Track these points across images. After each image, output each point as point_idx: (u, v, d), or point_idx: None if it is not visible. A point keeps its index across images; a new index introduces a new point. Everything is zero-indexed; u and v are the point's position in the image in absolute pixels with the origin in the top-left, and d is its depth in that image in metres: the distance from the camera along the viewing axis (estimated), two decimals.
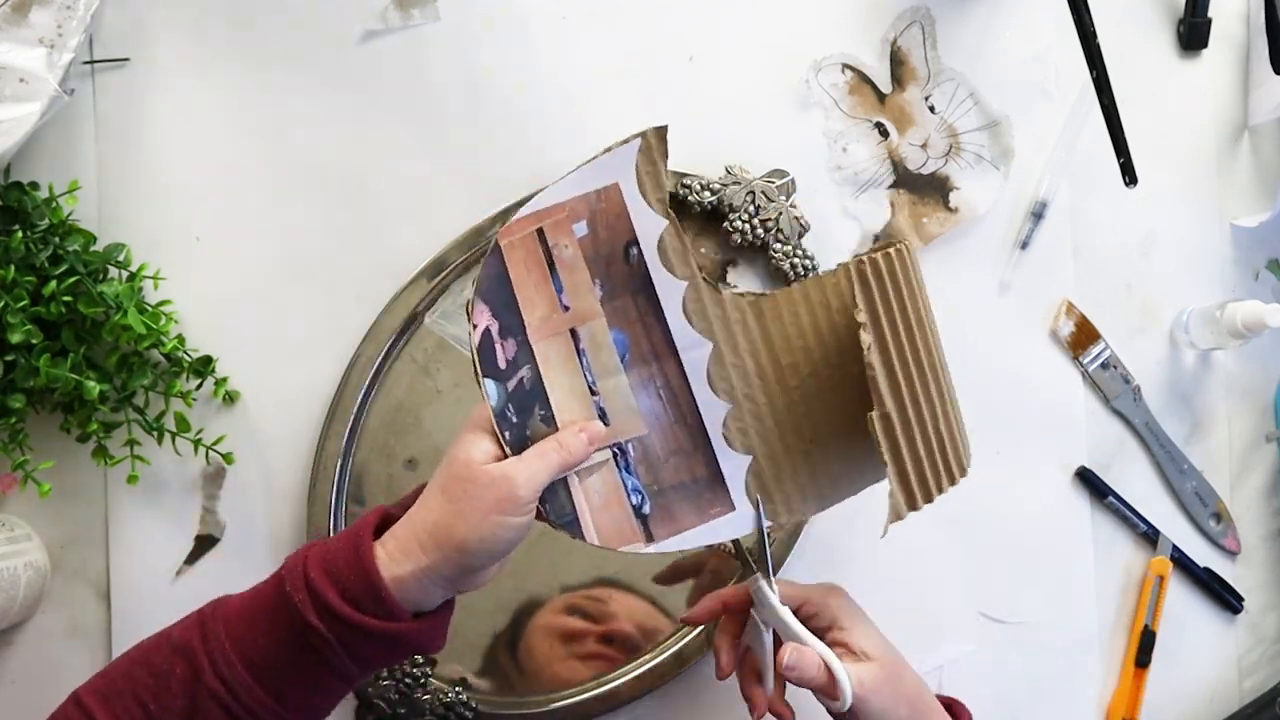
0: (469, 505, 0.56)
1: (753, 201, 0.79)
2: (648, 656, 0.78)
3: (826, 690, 0.63)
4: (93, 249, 0.75)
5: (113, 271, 0.76)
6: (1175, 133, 0.87)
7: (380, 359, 0.77)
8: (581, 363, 0.62)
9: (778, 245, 0.79)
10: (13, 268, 0.70)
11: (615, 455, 0.62)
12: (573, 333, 0.62)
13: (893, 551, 0.82)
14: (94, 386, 0.71)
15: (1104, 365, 0.85)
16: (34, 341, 0.71)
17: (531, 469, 0.57)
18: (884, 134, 0.83)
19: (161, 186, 0.78)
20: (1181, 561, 0.85)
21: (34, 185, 0.75)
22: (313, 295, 0.79)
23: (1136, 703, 0.84)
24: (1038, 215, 0.84)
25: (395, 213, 0.79)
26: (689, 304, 0.62)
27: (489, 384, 0.60)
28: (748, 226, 0.79)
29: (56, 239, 0.73)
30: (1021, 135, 0.84)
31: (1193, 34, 0.86)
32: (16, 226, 0.72)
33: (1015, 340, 0.84)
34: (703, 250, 0.81)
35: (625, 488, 0.62)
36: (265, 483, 0.78)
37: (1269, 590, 0.87)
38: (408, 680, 0.76)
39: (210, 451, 0.76)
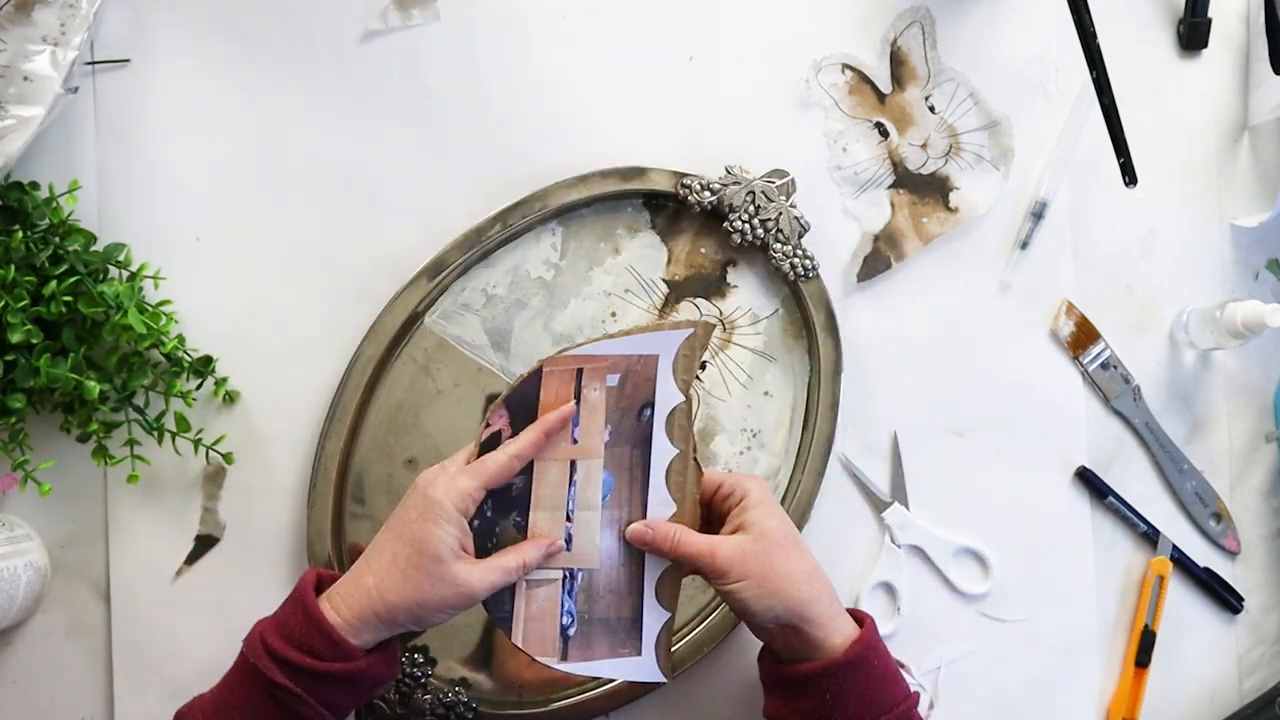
0: (430, 595, 0.62)
1: (753, 201, 0.79)
2: None
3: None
4: (93, 249, 0.75)
5: (113, 271, 0.76)
6: (1175, 133, 0.87)
7: (380, 359, 0.77)
8: (570, 491, 0.68)
9: (778, 245, 0.79)
10: (13, 268, 0.70)
11: (565, 578, 0.68)
12: (572, 464, 0.68)
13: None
14: (94, 386, 0.71)
15: (1104, 365, 0.85)
16: (34, 341, 0.71)
17: (492, 580, 0.64)
18: (884, 134, 0.83)
19: (161, 186, 0.78)
20: (1181, 561, 0.85)
21: (34, 185, 0.75)
22: (313, 295, 0.79)
23: (1136, 703, 0.84)
24: (1038, 215, 0.84)
25: (395, 213, 0.79)
26: (673, 471, 0.68)
27: None
28: (748, 226, 0.79)
29: (56, 239, 0.73)
30: (1021, 135, 0.84)
31: (1193, 34, 0.86)
32: (16, 226, 0.72)
33: (1015, 340, 0.84)
34: (702, 250, 0.81)
35: (561, 608, 0.68)
36: (265, 483, 0.78)
37: (1269, 590, 0.87)
38: (408, 681, 0.76)
39: (210, 451, 0.76)
